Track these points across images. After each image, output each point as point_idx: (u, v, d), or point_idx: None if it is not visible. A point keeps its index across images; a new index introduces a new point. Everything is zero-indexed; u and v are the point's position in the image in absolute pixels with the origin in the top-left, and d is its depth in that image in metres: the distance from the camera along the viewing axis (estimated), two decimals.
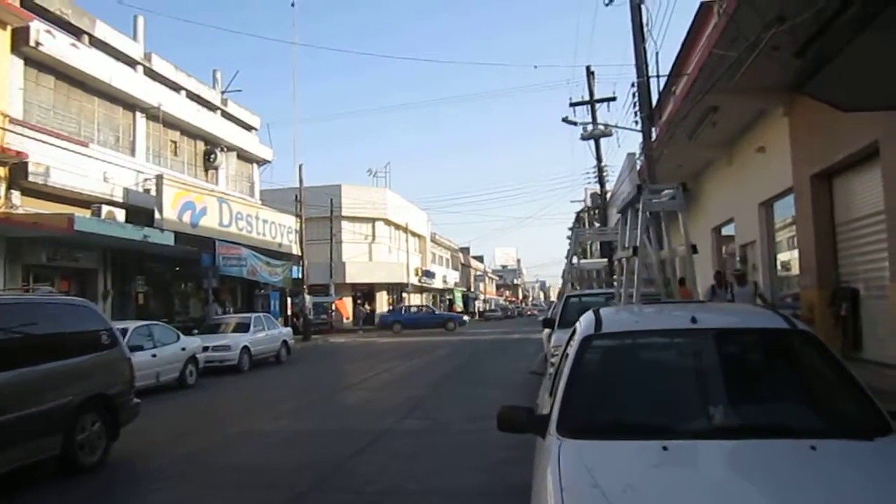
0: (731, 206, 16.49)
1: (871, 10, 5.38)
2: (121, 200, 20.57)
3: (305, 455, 8.03)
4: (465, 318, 50.98)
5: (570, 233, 69.35)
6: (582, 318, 4.57)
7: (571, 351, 3.99)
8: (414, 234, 62.76)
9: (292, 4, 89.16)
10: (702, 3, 14.36)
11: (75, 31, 20.43)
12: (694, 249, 8.82)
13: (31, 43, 17.99)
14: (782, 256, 14.30)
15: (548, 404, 4.54)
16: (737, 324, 4.11)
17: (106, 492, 6.84)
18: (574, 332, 4.63)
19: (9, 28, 17.55)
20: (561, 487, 2.76)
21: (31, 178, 17.41)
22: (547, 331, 14.18)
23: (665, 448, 3.00)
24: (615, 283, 30.30)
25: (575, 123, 24.81)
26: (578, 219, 59.61)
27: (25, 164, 17.19)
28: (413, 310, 47.04)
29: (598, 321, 4.11)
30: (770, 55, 9.14)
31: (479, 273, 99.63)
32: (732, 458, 2.95)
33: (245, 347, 18.91)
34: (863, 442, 3.03)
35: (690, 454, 3.03)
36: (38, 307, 7.27)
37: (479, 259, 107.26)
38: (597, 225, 36.41)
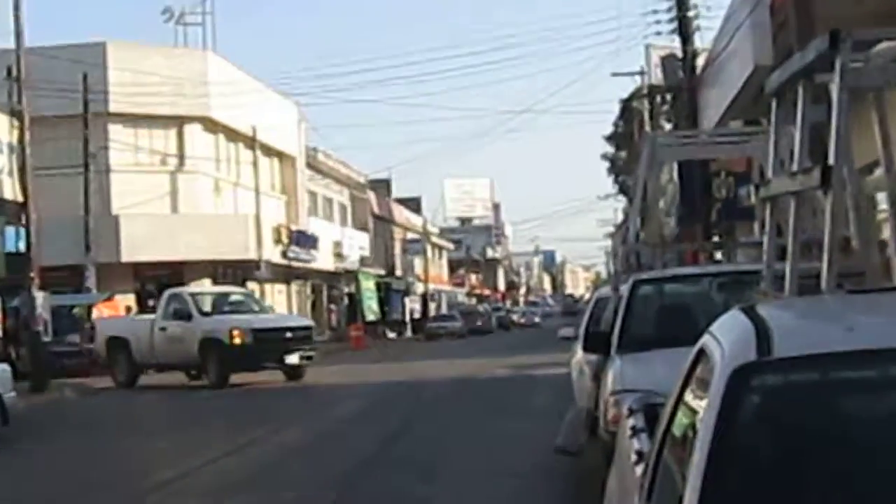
0: None
1: None
2: None
3: None
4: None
5: (608, 144, 36.89)
6: (719, 326, 2.16)
7: (710, 406, 1.72)
8: (271, 152, 34.66)
9: None
10: None
11: None
12: None
13: None
14: None
15: None
16: None
17: None
18: (701, 355, 2.21)
19: None
20: None
21: None
22: (586, 357, 8.22)
23: None
24: (723, 252, 16.49)
25: None
26: (626, 112, 36.09)
27: None
28: None
29: (760, 330, 1.86)
30: None
31: (413, 236, 55.24)
32: None
33: None
34: None
35: None
36: None
37: (414, 204, 59.96)
38: (667, 126, 24.43)
